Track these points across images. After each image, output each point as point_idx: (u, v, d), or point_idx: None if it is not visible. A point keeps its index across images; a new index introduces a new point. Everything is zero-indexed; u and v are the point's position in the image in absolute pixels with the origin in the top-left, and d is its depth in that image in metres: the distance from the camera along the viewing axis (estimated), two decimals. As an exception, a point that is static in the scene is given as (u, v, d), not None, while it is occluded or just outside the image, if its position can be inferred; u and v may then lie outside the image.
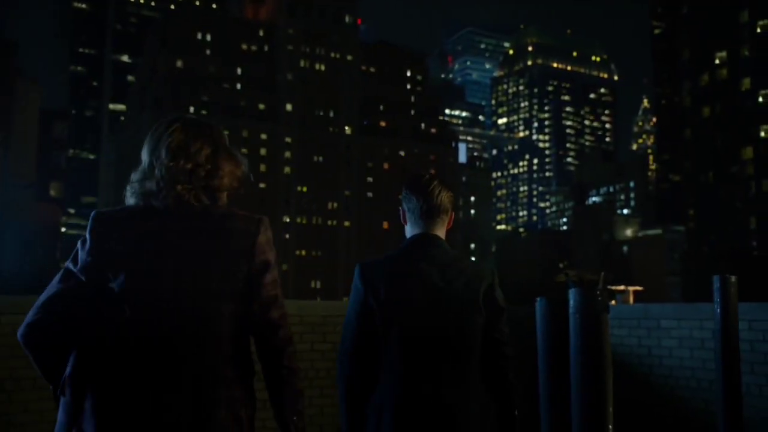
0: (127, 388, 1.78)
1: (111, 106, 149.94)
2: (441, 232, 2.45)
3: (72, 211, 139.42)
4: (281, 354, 1.93)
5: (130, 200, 1.94)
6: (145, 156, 1.96)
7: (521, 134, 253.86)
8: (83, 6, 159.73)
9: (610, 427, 3.88)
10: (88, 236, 1.87)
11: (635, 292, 47.18)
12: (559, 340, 4.01)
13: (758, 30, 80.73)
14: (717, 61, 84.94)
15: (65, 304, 1.82)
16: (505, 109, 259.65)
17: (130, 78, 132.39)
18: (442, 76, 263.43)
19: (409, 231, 2.46)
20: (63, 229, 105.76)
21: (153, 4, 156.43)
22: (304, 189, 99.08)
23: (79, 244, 1.88)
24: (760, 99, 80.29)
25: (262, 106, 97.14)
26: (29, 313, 1.83)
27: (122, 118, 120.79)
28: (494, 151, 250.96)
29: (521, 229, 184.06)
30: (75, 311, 1.82)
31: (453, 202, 2.50)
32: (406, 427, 2.24)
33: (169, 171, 1.88)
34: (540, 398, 4.24)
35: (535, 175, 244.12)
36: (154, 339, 1.79)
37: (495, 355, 2.39)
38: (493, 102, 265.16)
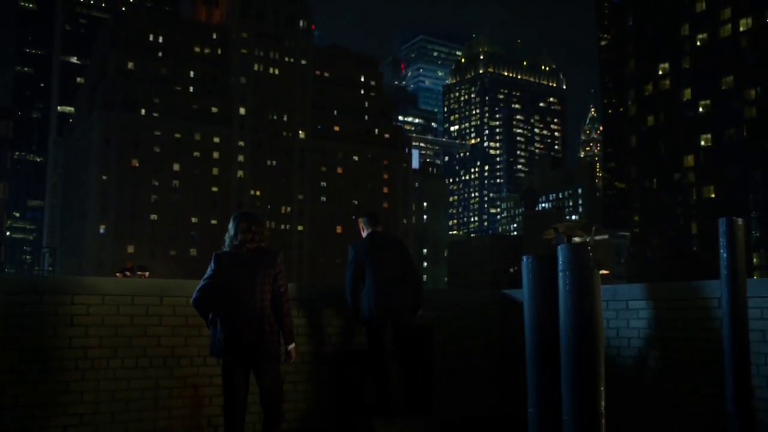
0: (225, 321, 4.46)
1: (59, 108, 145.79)
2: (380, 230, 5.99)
3: (17, 214, 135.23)
4: (284, 304, 4.60)
5: (227, 248, 4.60)
6: (231, 230, 4.61)
7: (473, 141, 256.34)
8: (30, 5, 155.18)
9: (602, 389, 3.90)
10: (213, 262, 4.52)
11: (601, 275, 47.83)
12: (547, 301, 3.79)
13: (698, 43, 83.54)
14: (660, 72, 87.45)
15: (207, 290, 4.49)
16: (457, 116, 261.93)
17: (79, 80, 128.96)
18: (396, 83, 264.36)
19: (366, 232, 5.94)
20: (7, 233, 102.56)
21: (103, 5, 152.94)
22: (258, 193, 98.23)
23: (210, 265, 4.51)
24: (701, 109, 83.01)
25: (215, 110, 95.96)
26: (195, 291, 4.52)
27: (71, 120, 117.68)
28: (446, 158, 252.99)
29: (473, 235, 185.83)
30: (209, 293, 4.50)
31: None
32: (376, 301, 5.61)
33: (243, 237, 4.57)
34: (527, 364, 4.07)
35: (486, 182, 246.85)
36: (234, 305, 4.45)
37: (410, 268, 5.87)
38: (445, 109, 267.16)
